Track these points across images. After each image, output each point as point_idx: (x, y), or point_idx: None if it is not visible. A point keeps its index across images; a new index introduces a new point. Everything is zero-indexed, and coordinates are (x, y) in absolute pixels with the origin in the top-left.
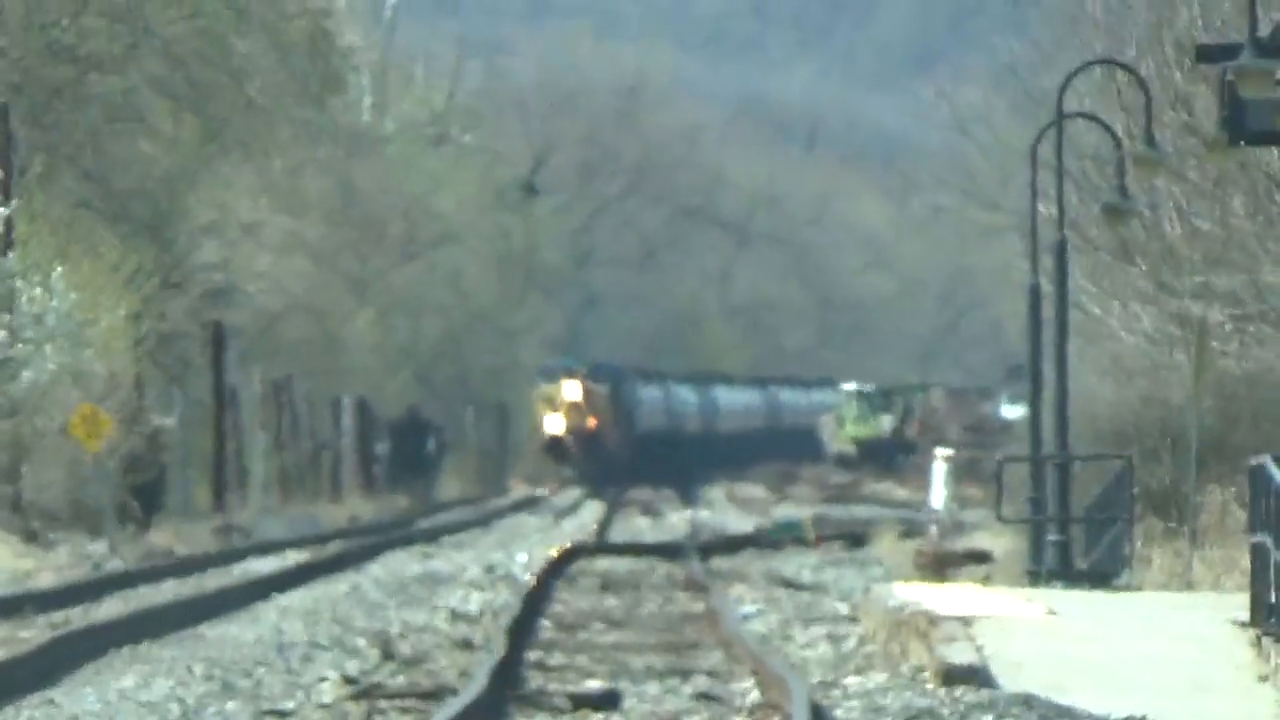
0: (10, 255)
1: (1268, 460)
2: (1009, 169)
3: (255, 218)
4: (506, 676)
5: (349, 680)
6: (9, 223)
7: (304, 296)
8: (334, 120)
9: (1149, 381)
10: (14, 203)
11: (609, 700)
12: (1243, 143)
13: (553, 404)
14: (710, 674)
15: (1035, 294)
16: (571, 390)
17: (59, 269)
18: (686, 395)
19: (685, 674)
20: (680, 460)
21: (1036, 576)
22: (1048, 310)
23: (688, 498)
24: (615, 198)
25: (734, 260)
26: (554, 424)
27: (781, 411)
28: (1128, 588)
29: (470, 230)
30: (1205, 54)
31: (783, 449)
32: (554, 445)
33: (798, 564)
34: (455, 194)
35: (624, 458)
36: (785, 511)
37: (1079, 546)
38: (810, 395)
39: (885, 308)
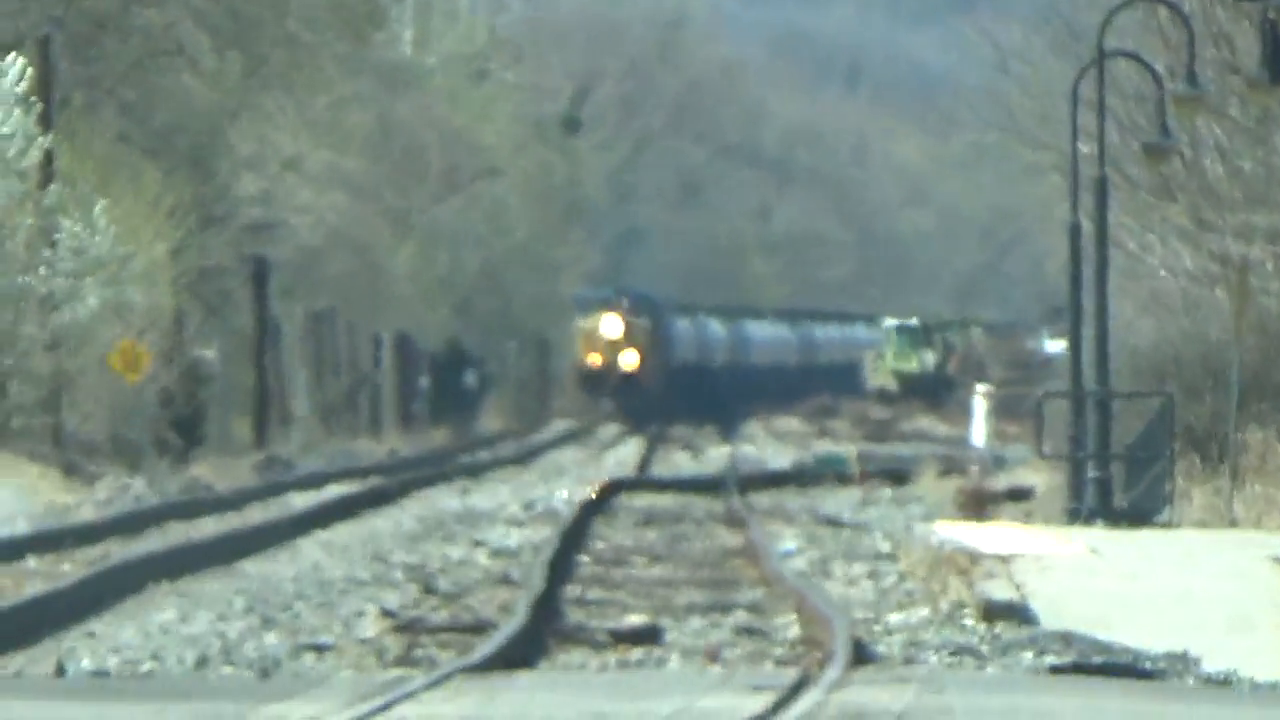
0: (51, 188)
1: None
2: (1050, 107)
3: (296, 152)
4: (546, 611)
5: (388, 614)
6: (50, 155)
7: (345, 230)
8: (375, 54)
9: (1190, 319)
10: (54, 135)
11: (650, 635)
12: None
13: (591, 338)
14: (751, 609)
15: (1076, 231)
16: (610, 324)
17: (100, 203)
18: (726, 329)
19: (726, 609)
20: (721, 395)
21: (1077, 514)
22: (1088, 248)
23: (728, 433)
24: (656, 133)
25: (774, 196)
26: (593, 358)
27: (823, 346)
28: (1168, 525)
29: (511, 164)
30: None
31: (824, 384)
32: (592, 379)
33: (838, 501)
34: (496, 128)
35: (663, 392)
36: (825, 447)
37: (1120, 484)
38: (853, 330)
39: (926, 244)
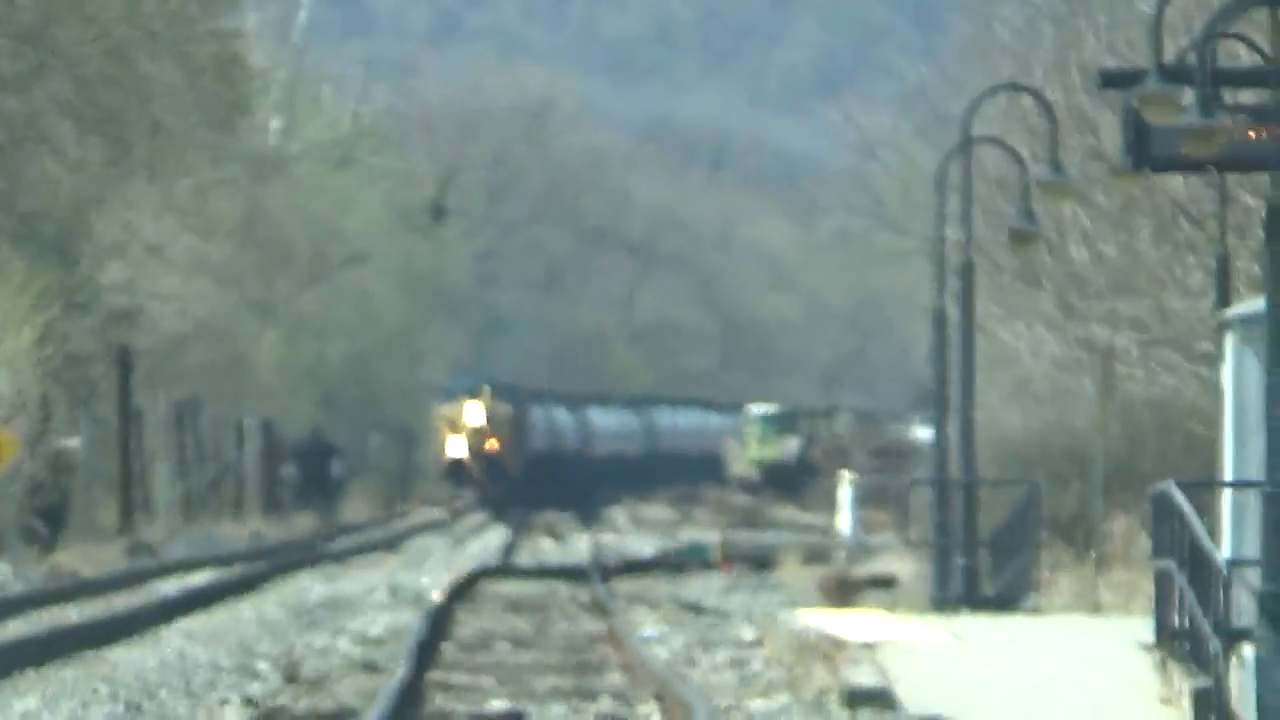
0: None
1: (1172, 486)
2: (915, 193)
3: (160, 239)
4: (411, 698)
5: (251, 703)
6: None
7: (210, 319)
8: (241, 142)
9: (1056, 406)
10: None
11: None
12: (1148, 169)
13: (455, 425)
14: (614, 696)
15: (941, 318)
16: (474, 413)
17: None
18: (586, 418)
19: (589, 695)
20: (583, 483)
21: (943, 602)
22: (955, 335)
23: (592, 520)
24: (522, 220)
25: (639, 282)
26: (456, 446)
27: (685, 434)
28: (1034, 612)
29: (378, 251)
30: (1110, 80)
31: (687, 471)
32: (455, 468)
33: (702, 587)
34: (362, 216)
35: (526, 480)
36: (689, 534)
37: (986, 571)
38: (716, 417)
39: (791, 331)
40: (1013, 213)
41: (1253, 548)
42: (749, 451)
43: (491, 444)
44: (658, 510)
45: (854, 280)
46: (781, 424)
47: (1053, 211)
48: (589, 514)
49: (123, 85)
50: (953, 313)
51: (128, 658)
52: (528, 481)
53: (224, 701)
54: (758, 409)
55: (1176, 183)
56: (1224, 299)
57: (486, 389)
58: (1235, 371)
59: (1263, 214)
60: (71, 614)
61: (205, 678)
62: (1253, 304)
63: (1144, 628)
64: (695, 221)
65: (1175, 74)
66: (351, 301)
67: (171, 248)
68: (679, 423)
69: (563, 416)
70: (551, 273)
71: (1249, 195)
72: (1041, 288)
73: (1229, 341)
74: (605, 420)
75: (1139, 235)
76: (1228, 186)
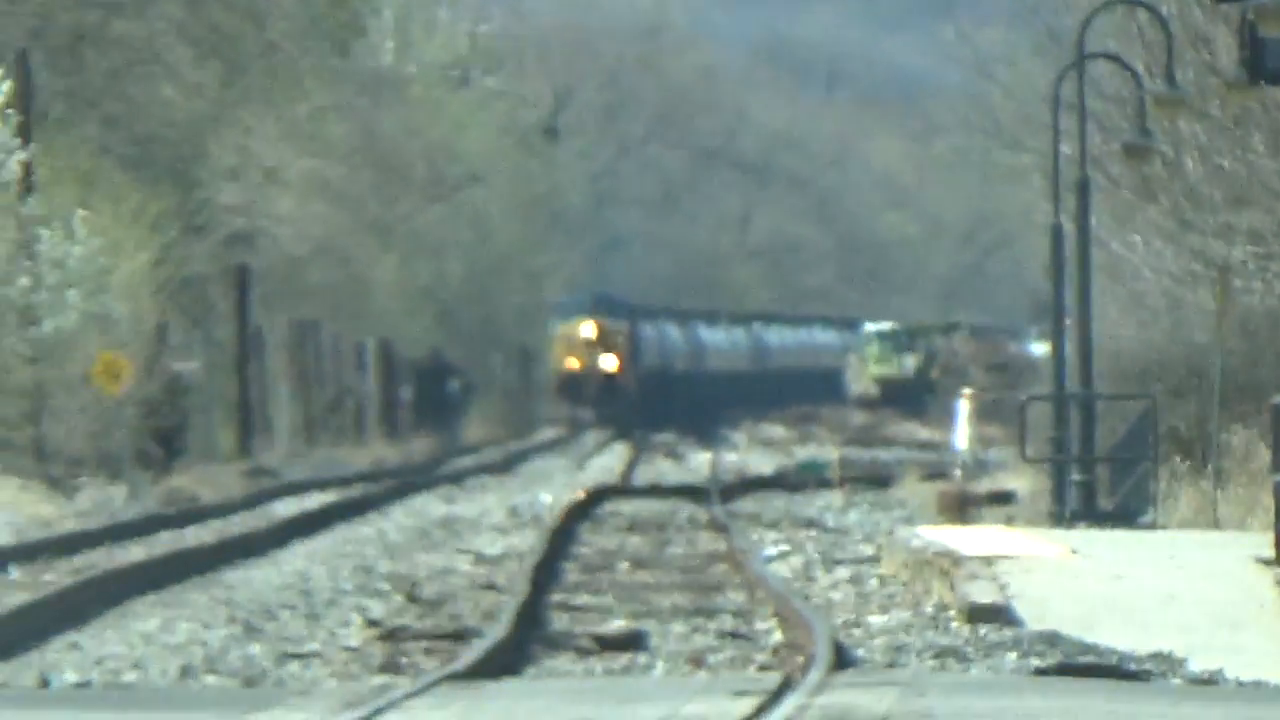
0: (31, 200)
1: None
2: (1031, 109)
3: (277, 162)
4: (531, 619)
5: (373, 623)
6: (29, 168)
7: (327, 240)
8: (356, 64)
9: (1172, 320)
10: (33, 147)
11: (634, 641)
12: (1262, 81)
13: (568, 343)
14: (734, 614)
15: (1058, 233)
16: (587, 329)
17: (80, 214)
18: (706, 334)
19: (710, 614)
20: (700, 400)
21: (1060, 517)
22: (1071, 250)
23: (710, 439)
24: (636, 140)
25: (755, 202)
26: (570, 363)
27: (803, 351)
28: (1152, 527)
29: (494, 173)
30: None
31: (806, 389)
32: (569, 385)
33: (821, 505)
34: (478, 136)
35: (642, 398)
36: (808, 453)
37: (1104, 487)
38: (829, 335)
39: (908, 248)
40: (1127, 127)
41: None
42: (868, 369)
43: (605, 361)
44: (775, 429)
45: (970, 198)
46: (899, 342)
47: (1167, 126)
48: (707, 432)
49: (237, 7)
50: (1069, 228)
51: (247, 579)
52: (642, 398)
53: (345, 622)
54: (875, 327)
55: None
56: None
57: (601, 305)
58: None
59: None
60: (189, 536)
61: (325, 598)
62: None
63: (1263, 542)
64: (810, 140)
65: None
66: (468, 222)
67: (288, 170)
68: (793, 340)
69: (675, 333)
70: (667, 192)
71: None
72: (1157, 202)
73: None
74: (718, 337)
75: (1253, 148)
76: None
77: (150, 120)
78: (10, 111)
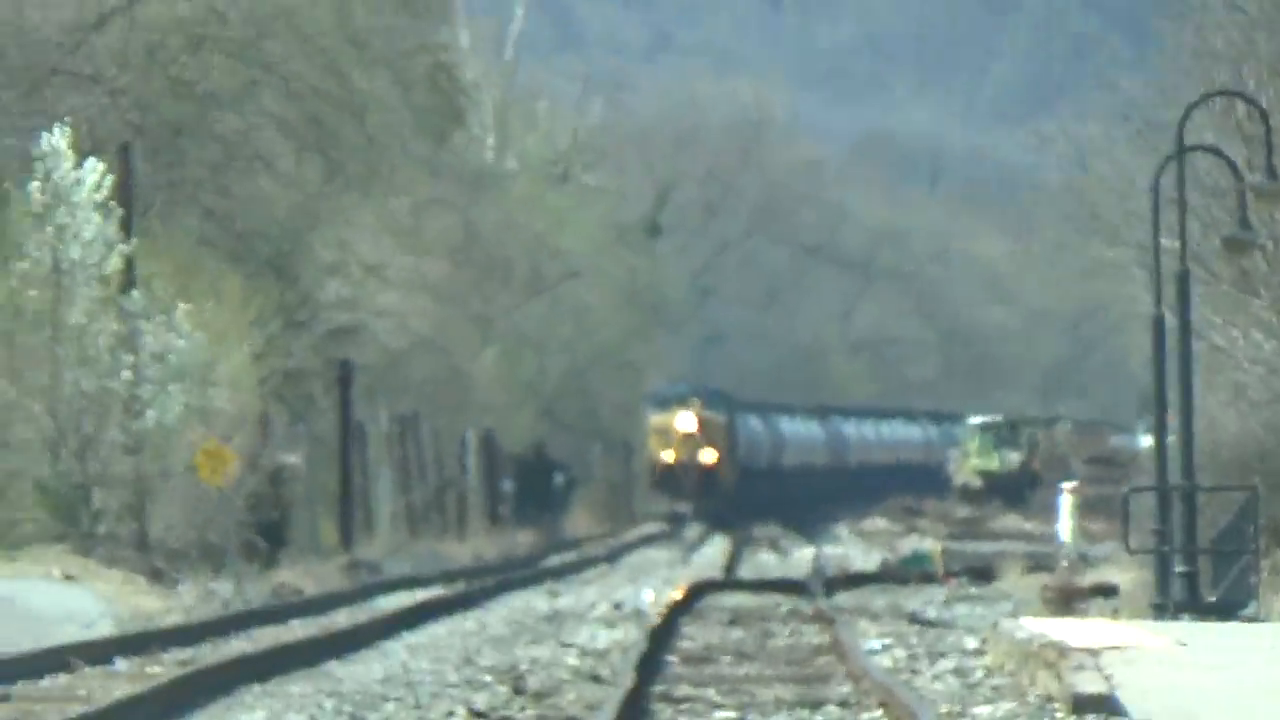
0: (134, 294)
1: None
2: (1130, 203)
3: (378, 258)
4: (635, 710)
5: (477, 715)
6: (131, 261)
7: (429, 334)
8: (456, 158)
9: (1272, 411)
10: (135, 241)
11: None
12: None
13: (665, 435)
14: (839, 705)
15: (1159, 325)
16: (685, 421)
17: (182, 307)
18: (808, 429)
19: (814, 705)
20: (800, 496)
21: (1163, 609)
22: (1172, 342)
23: (812, 533)
24: (738, 235)
25: (857, 296)
26: (668, 456)
27: (905, 445)
28: (1255, 619)
29: (594, 268)
30: None
31: (908, 483)
32: (667, 477)
33: (925, 599)
34: (579, 232)
35: (738, 492)
36: (911, 545)
37: (1206, 579)
38: (936, 428)
39: (1010, 341)
40: (1227, 221)
41: None
42: (970, 462)
43: (704, 453)
44: (880, 523)
45: (1070, 290)
46: (1002, 435)
47: (1267, 218)
48: (808, 526)
49: (336, 101)
50: (1170, 321)
51: (352, 671)
52: (740, 492)
53: (450, 714)
54: (978, 419)
55: None
56: None
57: (699, 397)
58: None
59: None
60: (295, 629)
61: (430, 690)
62: None
63: None
64: (912, 235)
65: None
66: (569, 316)
67: (389, 266)
68: (903, 434)
69: (776, 427)
70: (769, 287)
71: None
72: (1257, 295)
73: None
74: (816, 432)
75: None
76: None
77: (250, 214)
78: (112, 205)
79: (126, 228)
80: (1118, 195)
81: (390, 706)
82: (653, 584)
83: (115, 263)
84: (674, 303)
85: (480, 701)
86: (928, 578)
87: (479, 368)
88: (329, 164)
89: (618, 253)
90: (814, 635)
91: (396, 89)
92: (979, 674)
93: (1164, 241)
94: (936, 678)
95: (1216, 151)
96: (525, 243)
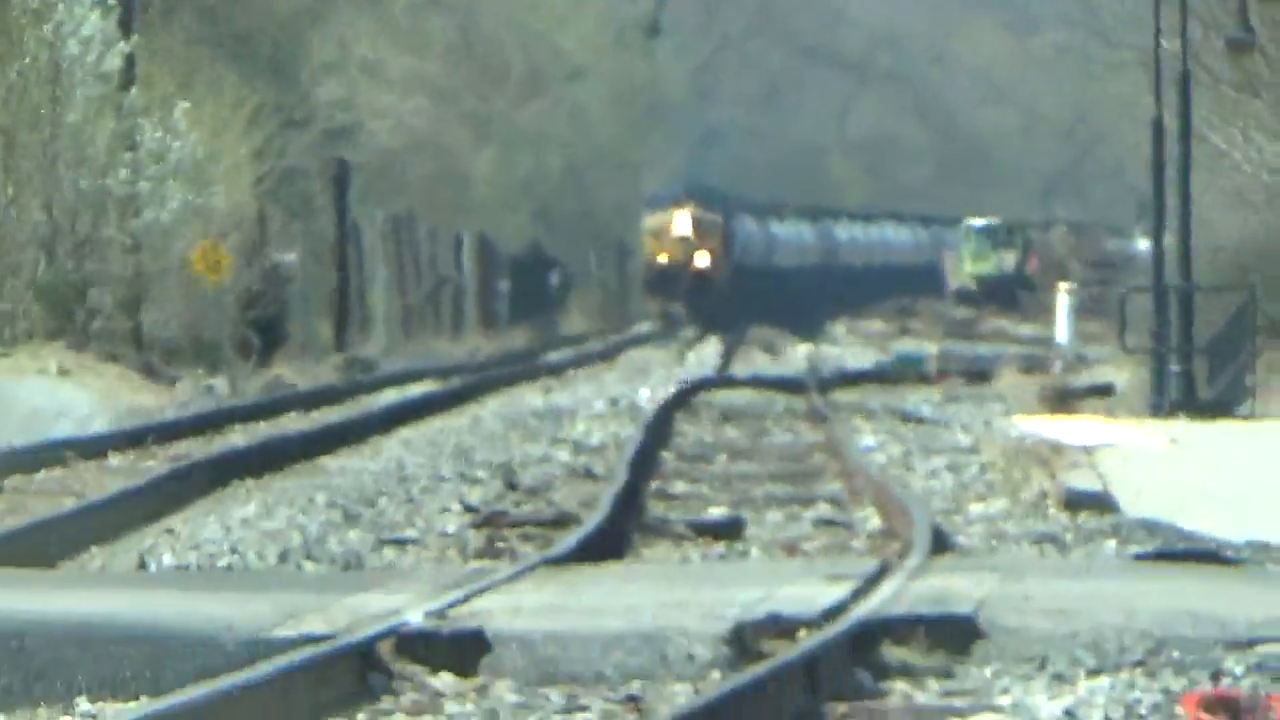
0: (132, 91)
1: None
2: (1131, 4)
3: (376, 57)
4: (629, 506)
5: (471, 509)
6: (130, 60)
7: (426, 134)
8: None
9: (1272, 213)
10: (135, 39)
11: (731, 528)
12: None
13: (661, 237)
14: (832, 502)
15: (1159, 127)
16: (681, 223)
17: (180, 106)
18: (805, 229)
19: (806, 502)
20: (797, 295)
21: (1159, 408)
22: (1171, 145)
23: (807, 333)
24: (736, 36)
25: (854, 97)
26: (662, 258)
27: (902, 247)
28: (1250, 417)
29: (592, 68)
30: None
31: (904, 285)
32: (661, 279)
33: (920, 398)
34: (578, 31)
35: (734, 292)
36: (907, 347)
37: (1202, 379)
38: (932, 231)
39: (1007, 144)
40: (1230, 23)
41: None
42: (965, 265)
43: (699, 256)
44: (875, 324)
45: (1070, 93)
46: (997, 237)
47: (1269, 20)
48: (804, 327)
49: None
50: (1170, 124)
51: (345, 466)
52: (734, 294)
53: (444, 509)
54: (974, 223)
55: None
56: None
57: (695, 198)
58: None
59: None
60: (288, 425)
61: (423, 485)
62: None
63: None
64: (910, 37)
65: None
66: (567, 116)
67: (388, 65)
68: (900, 237)
69: (769, 227)
70: (766, 88)
71: None
72: (1259, 97)
73: None
74: (811, 233)
75: None
76: None
77: (249, 12)
78: (112, 3)
79: (126, 25)
80: None
81: (383, 501)
82: (648, 383)
83: (114, 61)
84: (672, 102)
85: (474, 496)
86: (923, 378)
87: (475, 168)
88: None
89: (616, 52)
90: (808, 433)
91: None
92: (973, 471)
93: (1164, 43)
94: (930, 475)
95: None
96: (523, 42)
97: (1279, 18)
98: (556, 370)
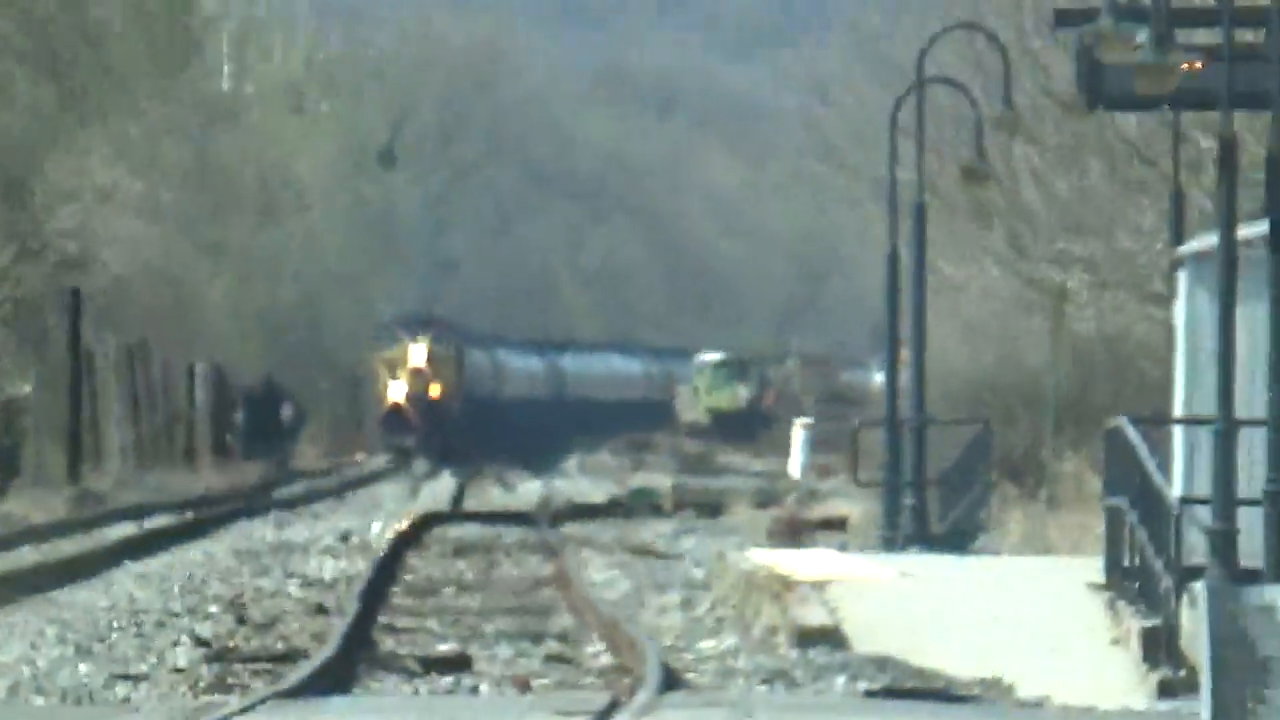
0: None
1: (1124, 422)
2: (866, 135)
3: (111, 183)
4: (358, 640)
5: (202, 643)
6: None
7: (160, 262)
8: (192, 87)
9: (1007, 345)
10: None
11: (460, 662)
12: (1101, 106)
13: (394, 369)
14: (562, 638)
15: (894, 258)
16: (416, 355)
17: None
18: (538, 362)
19: (537, 637)
20: (530, 428)
21: (892, 541)
22: (908, 277)
23: (541, 467)
24: (472, 164)
25: (586, 226)
26: (395, 391)
27: (635, 381)
28: (984, 551)
29: (327, 197)
30: (1063, 19)
31: (637, 419)
32: (394, 414)
33: (652, 532)
34: (313, 160)
35: (470, 426)
36: (641, 480)
37: (936, 512)
38: (667, 364)
39: (741, 272)
40: (965, 154)
41: (1204, 486)
42: (700, 399)
43: (433, 387)
44: (609, 458)
45: (806, 223)
46: (732, 371)
47: (1005, 152)
48: (538, 461)
49: (74, 29)
50: (905, 254)
51: (77, 600)
52: (467, 427)
53: (175, 643)
54: (708, 356)
55: (1129, 123)
56: (1178, 237)
57: (426, 332)
58: (1188, 309)
59: (1215, 153)
60: (21, 558)
61: (156, 619)
62: (1205, 240)
63: (1094, 568)
64: (644, 164)
65: (1129, 12)
66: (301, 245)
67: (123, 192)
68: (634, 370)
69: (497, 358)
70: (501, 216)
71: (1201, 135)
72: (993, 228)
73: (1182, 279)
74: (539, 365)
75: (1091, 175)
76: (1181, 125)
77: None
78: None
79: None
80: (855, 127)
81: (114, 635)
82: (381, 518)
83: None
84: (407, 231)
85: (205, 631)
86: (656, 511)
87: (209, 296)
88: (64, 91)
89: (351, 181)
90: (539, 567)
91: (134, 19)
92: (704, 607)
93: (901, 174)
94: (662, 610)
95: (954, 83)
96: (259, 171)
97: (1014, 149)
98: (289, 504)
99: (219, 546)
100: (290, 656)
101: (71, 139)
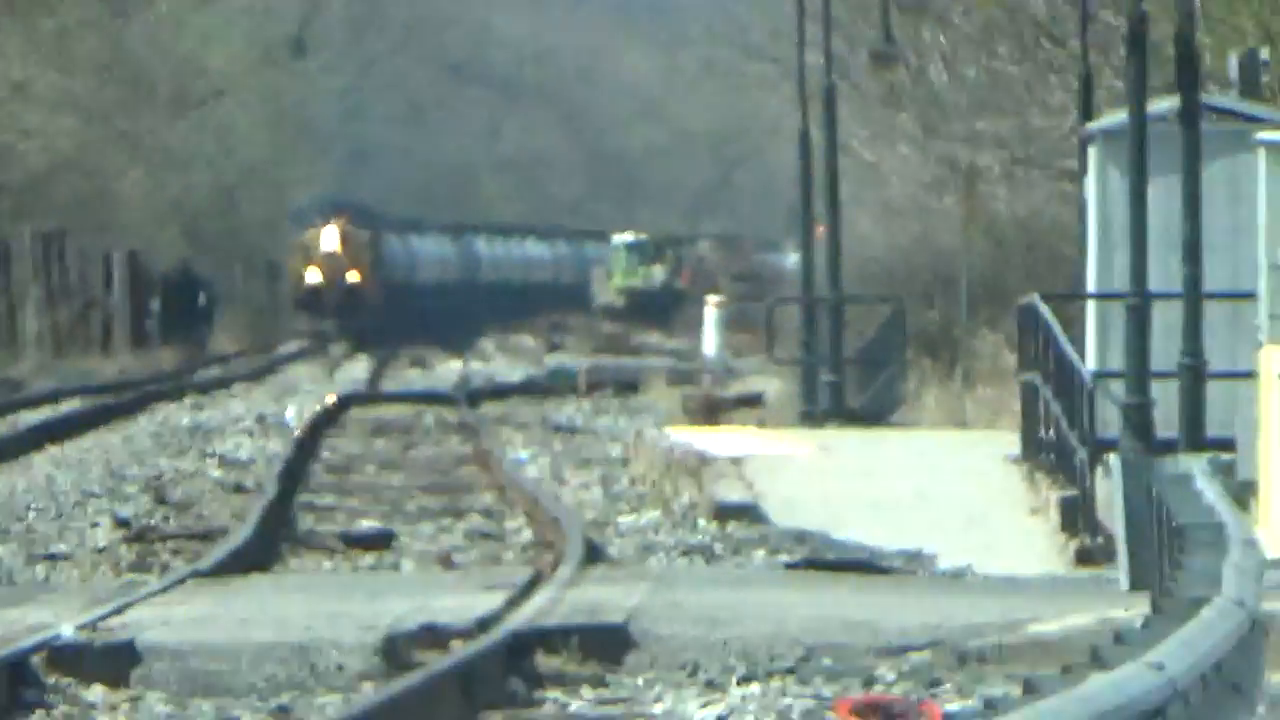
0: None
1: (1037, 299)
2: (777, 21)
3: (24, 76)
4: (279, 518)
5: (122, 524)
6: None
7: (75, 153)
8: None
9: (921, 225)
10: None
11: (382, 539)
12: None
13: (309, 254)
14: (484, 514)
15: (805, 140)
16: (329, 239)
17: None
18: (452, 246)
19: (459, 514)
20: (447, 312)
21: (810, 417)
22: (819, 158)
23: (457, 349)
24: (384, 55)
25: (503, 116)
26: (311, 276)
27: (552, 264)
28: (901, 427)
29: (241, 87)
30: None
31: (554, 301)
32: (310, 297)
33: (570, 411)
34: (225, 51)
35: (386, 310)
36: (558, 360)
37: (853, 390)
38: (583, 247)
39: (657, 160)
40: (874, 37)
41: (1117, 360)
42: (614, 281)
43: (350, 274)
44: (525, 339)
45: (720, 109)
46: (646, 253)
47: (912, 35)
48: (455, 344)
49: None
50: (817, 136)
51: None
52: (387, 313)
53: (94, 524)
54: (623, 238)
55: (1037, 2)
56: (1087, 114)
57: (341, 215)
58: (1099, 185)
59: (1124, 31)
60: None
61: (74, 501)
62: (1115, 118)
63: (1011, 442)
64: (558, 54)
65: None
66: (215, 135)
67: (36, 84)
68: (551, 253)
69: (425, 245)
70: (416, 106)
71: (1110, 13)
72: (904, 110)
73: (1092, 156)
74: (452, 249)
75: (1000, 56)
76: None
77: None
78: None
79: None
80: (764, 11)
81: (33, 516)
82: (298, 400)
83: None
84: (320, 122)
85: (125, 511)
86: (573, 390)
87: (124, 186)
88: None
89: (264, 72)
90: (459, 445)
91: None
92: (623, 483)
93: (810, 58)
94: (582, 486)
95: None
96: (171, 62)
97: (923, 33)
98: (205, 388)
99: (137, 429)
100: (210, 536)
101: None
